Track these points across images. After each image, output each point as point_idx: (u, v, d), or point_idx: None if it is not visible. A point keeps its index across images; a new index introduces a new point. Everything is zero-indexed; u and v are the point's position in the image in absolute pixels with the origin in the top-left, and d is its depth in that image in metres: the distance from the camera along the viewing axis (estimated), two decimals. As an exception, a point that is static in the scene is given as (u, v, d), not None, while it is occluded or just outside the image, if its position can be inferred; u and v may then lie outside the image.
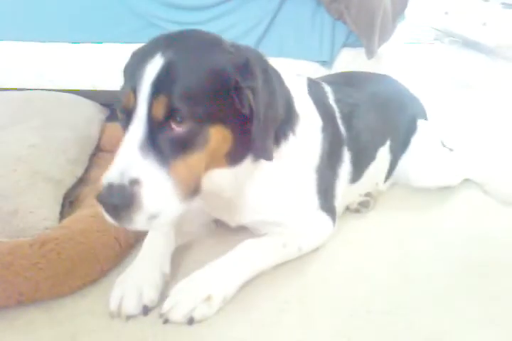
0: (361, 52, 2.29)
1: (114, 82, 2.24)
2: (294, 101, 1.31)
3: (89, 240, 1.24)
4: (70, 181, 1.60)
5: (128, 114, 1.03)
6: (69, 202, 1.53)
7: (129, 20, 2.30)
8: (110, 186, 0.97)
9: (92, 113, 2.11)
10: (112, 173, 0.98)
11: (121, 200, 0.96)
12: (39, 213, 1.35)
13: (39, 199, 1.40)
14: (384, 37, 2.25)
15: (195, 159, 1.06)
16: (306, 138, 1.35)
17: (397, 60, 3.41)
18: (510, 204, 1.74)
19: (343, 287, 1.27)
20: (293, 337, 1.10)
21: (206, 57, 1.08)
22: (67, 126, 1.89)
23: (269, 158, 1.17)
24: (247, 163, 1.21)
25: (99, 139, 2.00)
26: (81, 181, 1.69)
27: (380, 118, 1.65)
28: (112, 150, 1.89)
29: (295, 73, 1.49)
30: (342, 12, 2.22)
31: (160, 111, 1.00)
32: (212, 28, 2.26)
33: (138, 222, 0.99)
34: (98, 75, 2.32)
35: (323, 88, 1.55)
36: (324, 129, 1.40)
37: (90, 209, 1.36)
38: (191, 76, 1.04)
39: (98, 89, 2.31)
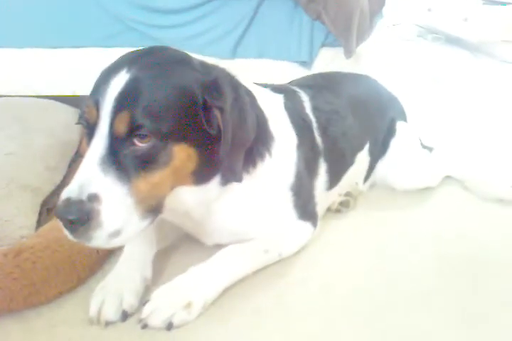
0: (340, 51, 2.29)
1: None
2: (268, 122, 1.29)
3: (65, 248, 1.23)
4: (48, 188, 1.59)
5: (90, 129, 1.02)
6: (47, 210, 1.52)
7: (107, 24, 2.29)
8: (68, 200, 0.95)
9: (72, 118, 2.08)
10: (71, 187, 0.97)
11: (78, 216, 0.95)
12: (15, 221, 1.34)
13: (15, 208, 1.39)
14: (362, 36, 2.26)
15: (158, 177, 1.04)
16: (282, 158, 1.33)
17: (379, 58, 3.41)
18: (491, 200, 1.75)
19: (322, 289, 1.27)
20: (270, 339, 1.10)
21: (173, 74, 1.07)
22: (46, 133, 1.88)
23: (237, 179, 1.17)
24: (216, 183, 1.19)
25: (79, 145, 1.99)
26: (60, 188, 1.67)
27: (358, 123, 1.66)
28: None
29: (271, 85, 1.49)
30: (320, 12, 2.22)
31: (122, 127, 0.99)
32: (190, 30, 2.29)
33: (97, 239, 0.98)
34: (77, 80, 2.31)
35: (300, 98, 1.54)
36: (299, 146, 1.39)
37: (67, 217, 1.35)
38: (156, 92, 1.03)
39: (78, 94, 2.30)
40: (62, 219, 0.97)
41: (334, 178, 1.56)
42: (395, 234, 1.54)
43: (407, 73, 3.58)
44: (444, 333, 1.13)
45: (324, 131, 1.51)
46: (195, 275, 1.19)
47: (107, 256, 1.35)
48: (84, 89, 2.25)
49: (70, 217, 0.95)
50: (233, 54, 2.32)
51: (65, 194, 0.97)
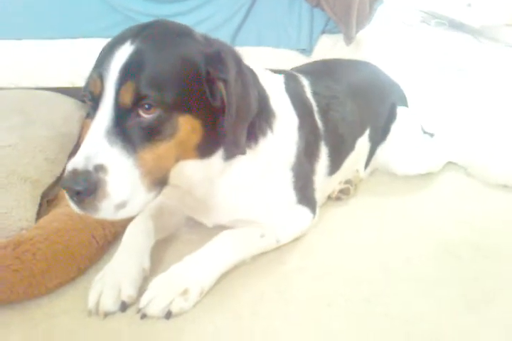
0: (340, 38, 2.27)
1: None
2: (269, 99, 1.29)
3: (65, 239, 1.24)
4: (47, 180, 1.58)
5: (95, 101, 1.02)
6: (47, 202, 1.52)
7: (105, 15, 2.28)
8: (74, 171, 0.95)
9: (72, 110, 2.09)
10: (77, 159, 0.97)
11: (85, 186, 0.95)
12: (14, 214, 1.34)
13: (15, 200, 1.39)
14: (361, 22, 2.22)
15: (163, 148, 1.04)
16: (283, 136, 1.33)
17: (380, 44, 3.38)
18: (493, 186, 1.74)
19: (321, 276, 1.27)
20: (270, 327, 1.10)
21: (176, 46, 1.07)
22: (46, 125, 1.87)
23: (241, 152, 1.16)
24: (219, 157, 1.19)
25: (79, 136, 1.98)
26: (60, 179, 1.67)
27: (358, 109, 1.64)
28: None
29: (271, 69, 1.47)
30: (319, -2, 2.20)
31: (127, 98, 0.99)
32: (189, 19, 2.26)
33: (104, 210, 0.98)
34: (77, 72, 2.30)
35: (300, 82, 1.53)
36: (300, 127, 1.39)
37: (66, 208, 1.34)
38: (160, 63, 1.03)
39: (77, 85, 2.29)
40: (69, 189, 0.97)
41: (335, 163, 1.55)
42: (396, 221, 1.53)
43: (410, 59, 3.54)
44: (445, 319, 1.13)
45: (325, 115, 1.50)
46: (190, 262, 1.19)
47: (106, 247, 1.35)
48: (83, 81, 2.27)
49: (77, 188, 0.95)
50: (232, 42, 2.30)
51: (71, 165, 0.97)
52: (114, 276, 1.16)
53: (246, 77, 1.14)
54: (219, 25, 2.28)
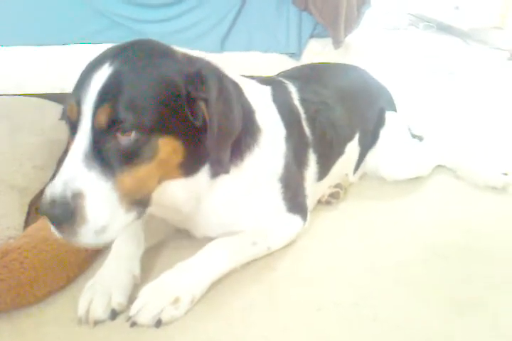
0: (329, 42, 2.29)
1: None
2: (255, 114, 1.29)
3: (53, 247, 1.23)
4: (36, 188, 1.57)
5: (73, 125, 1.01)
6: (35, 209, 1.51)
7: (93, 20, 2.28)
8: (52, 197, 0.94)
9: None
10: (55, 184, 0.96)
11: (63, 212, 0.94)
12: (2, 222, 1.33)
13: (2, 208, 1.38)
14: (350, 26, 2.24)
15: (143, 171, 1.03)
16: (270, 149, 1.32)
17: (368, 48, 3.40)
18: (482, 188, 1.75)
19: (311, 281, 1.27)
20: (261, 333, 1.10)
21: (155, 67, 1.06)
22: (35, 131, 1.87)
23: (225, 170, 1.16)
24: (205, 175, 1.19)
25: (68, 143, 1.97)
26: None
27: (347, 113, 1.65)
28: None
29: (259, 79, 1.47)
30: (307, 3, 2.21)
31: (103, 121, 0.98)
32: (177, 24, 2.27)
33: (84, 236, 0.97)
34: (66, 78, 2.29)
35: (287, 88, 1.52)
36: (288, 138, 1.38)
37: (55, 216, 1.34)
38: (138, 85, 1.02)
39: (66, 91, 2.28)
40: (48, 216, 0.96)
41: (324, 169, 1.55)
42: (386, 225, 1.53)
43: (398, 62, 3.56)
44: (434, 322, 1.13)
45: (313, 121, 1.50)
46: (181, 270, 1.18)
47: (95, 254, 1.34)
48: (72, 86, 2.26)
49: (55, 214, 0.95)
50: (221, 47, 2.31)
51: (48, 190, 0.96)
52: (104, 284, 1.15)
53: (229, 94, 1.13)
54: (207, 30, 2.29)
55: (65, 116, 1.05)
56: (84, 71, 1.06)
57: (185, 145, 1.09)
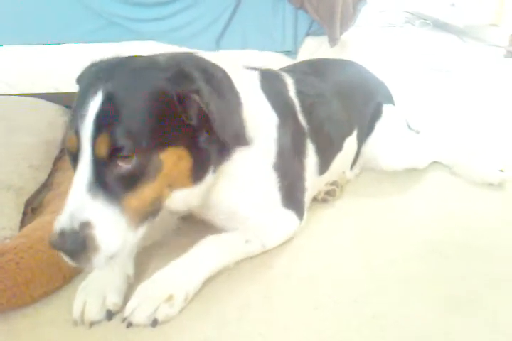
0: (325, 40, 2.28)
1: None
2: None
3: (49, 248, 1.21)
4: (32, 188, 1.57)
5: (74, 156, 1.03)
6: (32, 209, 1.50)
7: (89, 20, 2.27)
8: (62, 232, 0.96)
9: (56, 116, 2.07)
10: (63, 218, 0.97)
11: (74, 246, 0.96)
12: (-2, 223, 1.32)
13: (-2, 209, 1.37)
14: (345, 23, 2.23)
15: (148, 190, 1.05)
16: (259, 137, 1.31)
17: (365, 45, 3.40)
18: (479, 185, 1.75)
19: (308, 279, 1.26)
20: (257, 332, 1.09)
21: (143, 85, 1.06)
22: (30, 131, 1.86)
23: (246, 142, 1.19)
24: (210, 175, 1.20)
25: (64, 142, 1.97)
26: (45, 186, 1.66)
27: (345, 108, 1.64)
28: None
29: (249, 66, 1.46)
30: (303, 1, 2.20)
31: (103, 150, 0.99)
32: (172, 23, 2.27)
33: (97, 262, 1.00)
34: (61, 77, 2.28)
35: (282, 80, 1.52)
36: (281, 126, 1.37)
37: (51, 216, 1.34)
38: (131, 108, 1.03)
39: (61, 91, 2.28)
40: (59, 249, 0.98)
41: (325, 161, 1.55)
42: (383, 222, 1.53)
43: (394, 59, 3.56)
44: (432, 319, 1.12)
45: (309, 113, 1.50)
46: (174, 268, 1.18)
47: (92, 254, 1.33)
48: (68, 86, 2.25)
49: (66, 246, 0.97)
50: (217, 46, 2.30)
51: (57, 225, 0.97)
52: (98, 284, 1.15)
53: (217, 78, 1.14)
54: (203, 28, 2.28)
55: (65, 148, 1.07)
56: (77, 100, 1.07)
57: (189, 150, 1.10)
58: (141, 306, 1.09)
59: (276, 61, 2.26)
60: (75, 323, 1.10)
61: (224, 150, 1.21)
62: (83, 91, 1.06)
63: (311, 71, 1.71)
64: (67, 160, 1.85)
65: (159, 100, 1.06)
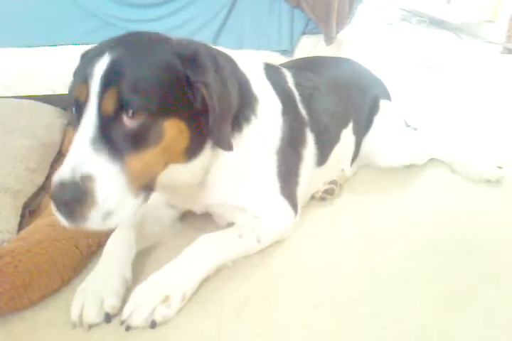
0: (321, 39, 2.29)
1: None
2: (250, 83, 1.31)
3: (47, 250, 1.22)
4: (29, 190, 1.57)
5: (79, 109, 1.02)
6: (29, 212, 1.50)
7: (84, 21, 2.27)
8: (62, 182, 0.95)
9: (53, 118, 2.07)
10: (64, 169, 0.96)
11: (73, 196, 0.95)
12: (-5, 226, 1.32)
13: (-5, 212, 1.37)
14: (341, 22, 2.23)
15: (150, 154, 1.05)
16: (267, 120, 1.35)
17: (361, 44, 3.39)
18: (477, 182, 1.75)
19: (306, 278, 1.26)
20: (256, 331, 1.09)
21: (154, 52, 1.08)
22: (26, 134, 1.86)
23: (228, 148, 1.18)
24: (207, 153, 1.22)
25: (61, 144, 1.97)
26: (42, 189, 1.66)
27: (341, 100, 1.66)
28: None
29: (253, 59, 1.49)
30: (299, 0, 2.20)
31: (110, 105, 0.99)
32: (168, 23, 2.26)
33: (92, 219, 0.98)
34: (57, 79, 2.28)
35: (281, 72, 1.55)
36: (284, 112, 1.40)
37: (48, 218, 1.34)
38: (141, 69, 1.04)
39: (58, 93, 2.27)
40: (57, 201, 0.97)
41: (323, 152, 1.56)
42: (381, 220, 1.53)
43: (391, 57, 3.56)
44: (431, 317, 1.12)
45: (308, 104, 1.52)
46: (169, 269, 1.17)
47: (90, 256, 1.33)
48: (64, 88, 2.25)
49: (66, 198, 0.95)
50: (213, 45, 2.28)
51: (57, 176, 0.96)
52: (96, 287, 1.14)
53: (225, 74, 1.15)
54: (199, 28, 2.28)
55: (71, 99, 1.05)
56: (84, 58, 1.09)
57: (189, 127, 1.11)
58: (138, 308, 1.08)
59: (273, 60, 2.26)
60: (74, 326, 1.10)
61: None
62: (90, 54, 1.07)
63: (307, 66, 1.75)
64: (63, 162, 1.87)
65: (169, 72, 1.07)
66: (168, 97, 1.06)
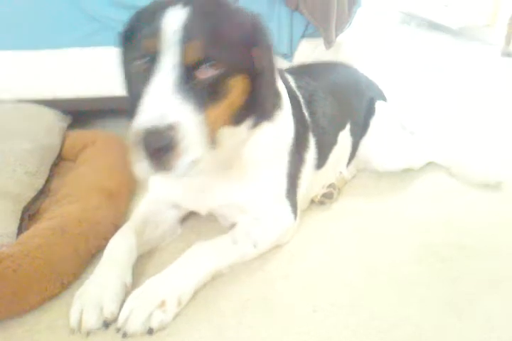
0: (320, 42, 2.28)
1: (74, 88, 2.21)
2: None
3: (46, 255, 1.22)
4: (29, 194, 1.56)
5: (149, 60, 1.03)
6: (29, 216, 1.50)
7: (83, 24, 2.26)
8: (153, 129, 0.95)
9: (53, 122, 2.07)
10: (152, 117, 0.96)
11: (165, 143, 0.95)
12: (-5, 230, 1.32)
13: (-5, 216, 1.37)
14: (341, 26, 2.24)
15: (223, 106, 1.08)
16: (286, 116, 1.38)
17: (361, 46, 3.40)
18: (475, 186, 1.75)
19: (305, 283, 1.27)
20: (256, 336, 1.09)
21: (227, 10, 1.11)
22: (27, 137, 1.86)
23: (269, 113, 1.23)
24: (247, 125, 1.24)
25: (61, 148, 1.97)
26: (42, 193, 1.66)
27: (338, 103, 1.67)
28: (74, 159, 1.87)
29: None
30: (298, 3, 2.20)
31: (192, 56, 1.01)
32: (167, 27, 2.26)
33: (179, 167, 0.99)
34: (57, 82, 2.28)
35: (285, 75, 1.56)
36: (293, 113, 1.43)
37: (48, 223, 1.34)
38: (219, 24, 1.06)
39: (58, 96, 2.27)
40: (148, 147, 0.96)
41: (322, 155, 1.57)
42: (380, 225, 1.53)
43: (391, 60, 3.56)
44: (430, 321, 1.13)
45: (309, 107, 1.55)
46: (164, 275, 1.17)
47: (90, 260, 1.33)
48: (65, 91, 2.25)
49: (158, 145, 0.96)
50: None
51: (146, 123, 0.96)
52: (95, 292, 1.13)
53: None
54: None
55: (142, 49, 1.04)
56: (153, 11, 1.07)
57: (251, 87, 1.14)
58: (133, 314, 1.08)
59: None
60: (73, 331, 1.10)
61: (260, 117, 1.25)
62: (157, 7, 1.07)
63: (304, 71, 1.76)
64: (64, 166, 1.87)
65: (244, 30, 1.10)
66: (241, 55, 1.09)
